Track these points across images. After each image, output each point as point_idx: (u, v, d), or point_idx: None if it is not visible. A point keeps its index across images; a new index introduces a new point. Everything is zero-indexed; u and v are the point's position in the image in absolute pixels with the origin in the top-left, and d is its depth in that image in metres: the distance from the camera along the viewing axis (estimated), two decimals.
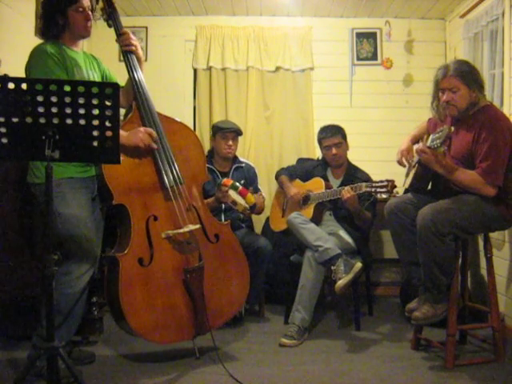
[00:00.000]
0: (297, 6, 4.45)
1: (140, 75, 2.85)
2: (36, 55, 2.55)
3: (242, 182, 3.77)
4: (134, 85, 2.82)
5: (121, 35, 2.85)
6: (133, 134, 2.71)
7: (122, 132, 2.66)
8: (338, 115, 4.48)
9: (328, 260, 3.26)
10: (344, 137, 3.75)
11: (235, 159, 3.88)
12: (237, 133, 3.81)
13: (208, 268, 2.84)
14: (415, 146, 2.88)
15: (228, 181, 3.38)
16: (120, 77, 2.92)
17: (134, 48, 2.86)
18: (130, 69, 2.83)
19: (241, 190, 3.34)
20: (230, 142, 3.76)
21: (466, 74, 2.73)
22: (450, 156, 2.87)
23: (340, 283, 3.16)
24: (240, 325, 3.56)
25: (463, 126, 2.81)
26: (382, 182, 3.19)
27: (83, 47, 2.82)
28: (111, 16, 2.88)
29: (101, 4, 2.87)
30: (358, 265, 3.23)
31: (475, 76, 2.77)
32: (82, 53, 2.76)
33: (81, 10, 2.60)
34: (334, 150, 3.70)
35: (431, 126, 3.00)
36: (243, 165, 3.90)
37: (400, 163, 3.07)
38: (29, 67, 2.55)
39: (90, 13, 2.64)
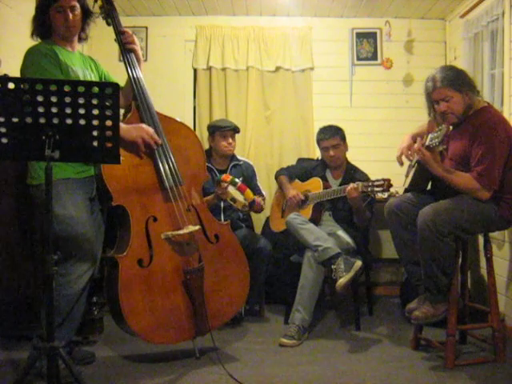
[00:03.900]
0: (297, 6, 4.45)
1: (139, 74, 2.84)
2: (30, 55, 2.54)
3: (241, 179, 3.78)
4: (133, 83, 2.80)
5: (122, 33, 2.85)
6: (133, 129, 2.69)
7: (122, 124, 2.65)
8: (338, 115, 4.49)
9: (328, 259, 3.26)
10: (343, 138, 3.74)
11: (233, 157, 3.89)
12: (235, 130, 3.83)
13: (208, 268, 2.84)
14: (416, 143, 2.88)
15: (227, 176, 3.38)
16: (120, 77, 2.92)
17: (135, 46, 2.86)
18: (129, 67, 2.82)
19: (240, 186, 3.34)
20: (230, 140, 3.79)
21: (454, 80, 2.74)
22: (447, 158, 2.87)
23: (341, 282, 3.16)
24: (240, 325, 3.56)
25: (460, 128, 2.82)
26: (378, 180, 3.20)
27: (83, 48, 2.81)
28: (110, 14, 2.87)
29: (99, 2, 2.86)
30: (358, 263, 3.23)
31: (463, 79, 2.77)
32: (77, 53, 2.75)
33: (60, 9, 2.58)
34: (331, 152, 3.70)
35: (431, 129, 3.00)
36: (241, 163, 3.92)
37: (399, 160, 3.05)
38: (23, 68, 2.54)
39: (70, 13, 2.59)
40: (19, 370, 2.64)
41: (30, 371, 2.25)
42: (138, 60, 2.88)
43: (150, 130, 2.73)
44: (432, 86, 2.79)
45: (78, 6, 2.64)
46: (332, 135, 3.69)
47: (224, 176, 3.39)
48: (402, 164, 3.03)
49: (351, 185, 3.32)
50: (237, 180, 3.36)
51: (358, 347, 3.16)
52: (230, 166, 3.85)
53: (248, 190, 3.37)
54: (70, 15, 2.60)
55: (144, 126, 2.73)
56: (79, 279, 2.59)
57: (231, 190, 3.35)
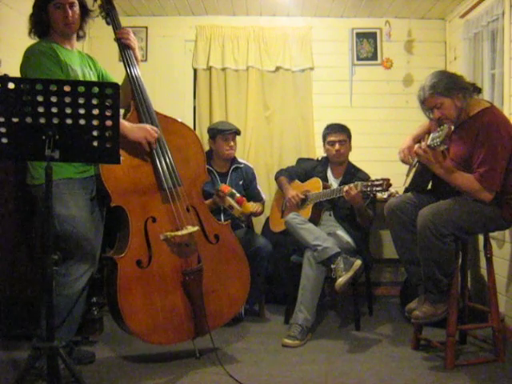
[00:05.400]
0: (297, 6, 4.45)
1: (138, 72, 2.83)
2: (30, 55, 2.53)
3: (241, 182, 3.79)
4: (131, 82, 2.79)
5: (120, 32, 2.84)
6: (137, 129, 2.69)
7: (126, 123, 2.66)
8: (338, 115, 4.48)
9: (327, 259, 3.26)
10: (349, 136, 3.79)
11: (234, 160, 3.89)
12: (236, 133, 3.82)
13: (208, 269, 2.84)
14: (416, 146, 2.88)
15: (226, 187, 3.36)
16: (120, 77, 2.91)
17: (131, 43, 2.84)
18: (127, 66, 2.81)
19: (238, 199, 3.30)
20: (232, 143, 3.79)
21: (441, 87, 2.75)
22: (448, 158, 2.87)
23: (340, 281, 3.16)
24: (240, 325, 3.56)
25: (462, 129, 2.82)
26: (377, 180, 3.21)
27: (83, 47, 2.81)
28: (109, 13, 2.86)
29: (99, 1, 2.86)
30: (358, 262, 3.23)
31: (451, 83, 2.77)
32: (76, 51, 2.75)
33: (59, 6, 2.57)
34: (337, 146, 3.72)
35: (433, 126, 3.00)
36: (242, 165, 3.91)
37: (404, 161, 3.06)
38: (24, 68, 2.54)
39: (69, 9, 2.58)
40: (19, 370, 2.63)
41: (30, 371, 2.25)
42: (136, 60, 2.87)
43: (154, 128, 2.73)
44: (422, 95, 2.82)
45: (76, 2, 2.63)
46: (339, 130, 3.75)
47: (223, 187, 3.37)
48: (409, 163, 3.03)
49: (348, 185, 3.33)
50: (234, 192, 3.33)
51: (358, 347, 3.16)
52: (231, 168, 3.84)
53: (246, 204, 3.31)
54: (70, 11, 2.59)
55: (148, 126, 2.73)
56: (79, 279, 2.59)
57: (229, 198, 3.33)
